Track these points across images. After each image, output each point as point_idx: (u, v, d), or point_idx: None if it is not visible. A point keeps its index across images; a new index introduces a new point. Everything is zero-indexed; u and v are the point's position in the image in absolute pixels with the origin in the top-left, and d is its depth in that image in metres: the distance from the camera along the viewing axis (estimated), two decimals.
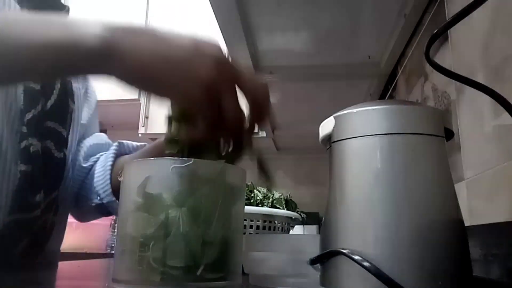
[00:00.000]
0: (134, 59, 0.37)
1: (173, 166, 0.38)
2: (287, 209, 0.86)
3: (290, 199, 0.95)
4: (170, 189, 0.37)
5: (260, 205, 0.85)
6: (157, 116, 2.05)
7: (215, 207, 0.38)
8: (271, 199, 0.88)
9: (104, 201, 0.70)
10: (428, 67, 0.84)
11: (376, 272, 0.31)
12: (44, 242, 0.66)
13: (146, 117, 2.07)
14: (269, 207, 0.85)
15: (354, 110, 0.38)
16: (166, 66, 0.37)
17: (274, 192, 0.92)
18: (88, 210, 0.76)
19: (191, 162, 0.38)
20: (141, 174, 0.39)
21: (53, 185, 0.65)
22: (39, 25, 0.38)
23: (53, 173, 0.64)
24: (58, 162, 0.66)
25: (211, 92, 0.37)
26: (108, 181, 0.70)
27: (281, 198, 0.90)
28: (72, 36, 0.37)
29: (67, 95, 0.69)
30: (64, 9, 0.70)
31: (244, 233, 0.69)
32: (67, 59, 0.38)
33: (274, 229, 0.73)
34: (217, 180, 0.39)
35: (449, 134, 0.38)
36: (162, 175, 0.38)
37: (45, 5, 0.64)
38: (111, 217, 1.87)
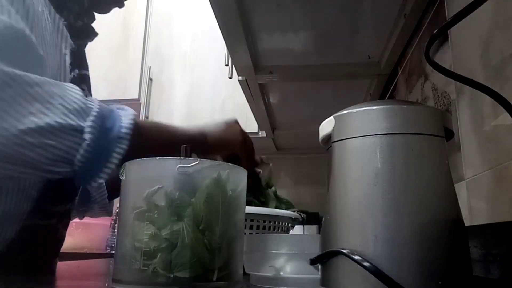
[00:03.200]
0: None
1: (179, 166, 0.37)
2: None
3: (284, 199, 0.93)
4: (173, 195, 0.37)
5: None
6: (156, 116, 2.05)
7: (219, 212, 0.38)
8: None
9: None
10: (428, 67, 0.84)
11: (376, 272, 0.31)
12: (50, 252, 0.68)
13: (146, 117, 2.07)
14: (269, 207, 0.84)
15: (354, 110, 0.38)
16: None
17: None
18: None
19: (197, 162, 0.38)
20: (144, 174, 0.39)
21: (71, 196, 0.68)
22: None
23: (72, 184, 0.65)
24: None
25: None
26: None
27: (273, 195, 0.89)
28: (186, 131, 0.66)
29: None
30: (95, 35, 0.76)
31: (245, 233, 0.69)
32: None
33: (274, 229, 0.73)
34: (219, 182, 0.39)
35: (449, 134, 0.38)
36: (166, 177, 0.38)
37: (81, 32, 0.71)
38: (111, 217, 1.87)
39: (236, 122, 0.73)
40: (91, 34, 0.75)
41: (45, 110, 0.48)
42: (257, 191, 0.75)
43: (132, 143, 0.54)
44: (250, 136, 0.75)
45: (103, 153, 0.52)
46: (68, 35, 0.68)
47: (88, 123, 0.50)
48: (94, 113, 0.51)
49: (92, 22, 0.76)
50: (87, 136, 0.50)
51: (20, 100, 0.47)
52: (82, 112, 0.51)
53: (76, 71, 0.68)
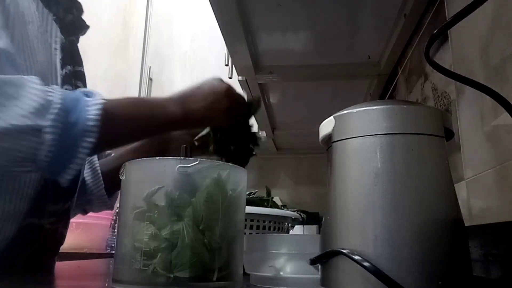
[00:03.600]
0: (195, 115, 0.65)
1: (179, 166, 0.37)
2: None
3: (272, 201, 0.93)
4: (173, 195, 0.37)
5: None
6: None
7: (219, 212, 0.38)
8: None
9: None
10: (428, 67, 0.84)
11: (376, 272, 0.31)
12: (50, 252, 0.68)
13: None
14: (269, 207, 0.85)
15: (354, 110, 0.38)
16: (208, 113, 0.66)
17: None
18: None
19: (197, 162, 0.38)
20: (145, 174, 0.39)
21: (69, 195, 0.68)
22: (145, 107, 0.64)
23: (71, 184, 0.65)
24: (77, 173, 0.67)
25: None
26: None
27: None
28: (164, 113, 0.63)
29: None
30: (87, 28, 0.76)
31: (244, 233, 0.69)
32: (161, 125, 0.65)
33: (274, 229, 0.73)
34: (219, 182, 0.39)
35: (449, 134, 0.38)
36: (166, 177, 0.38)
37: (72, 26, 0.71)
38: (111, 217, 1.87)
39: (227, 90, 0.67)
40: (82, 27, 0.75)
41: None
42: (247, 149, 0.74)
43: (102, 133, 0.52)
44: None
45: (69, 149, 0.50)
46: (58, 29, 0.67)
47: (48, 122, 0.48)
48: (55, 110, 0.49)
49: (82, 14, 0.75)
50: (48, 136, 0.48)
51: None
52: (42, 109, 0.48)
53: (69, 67, 0.68)
